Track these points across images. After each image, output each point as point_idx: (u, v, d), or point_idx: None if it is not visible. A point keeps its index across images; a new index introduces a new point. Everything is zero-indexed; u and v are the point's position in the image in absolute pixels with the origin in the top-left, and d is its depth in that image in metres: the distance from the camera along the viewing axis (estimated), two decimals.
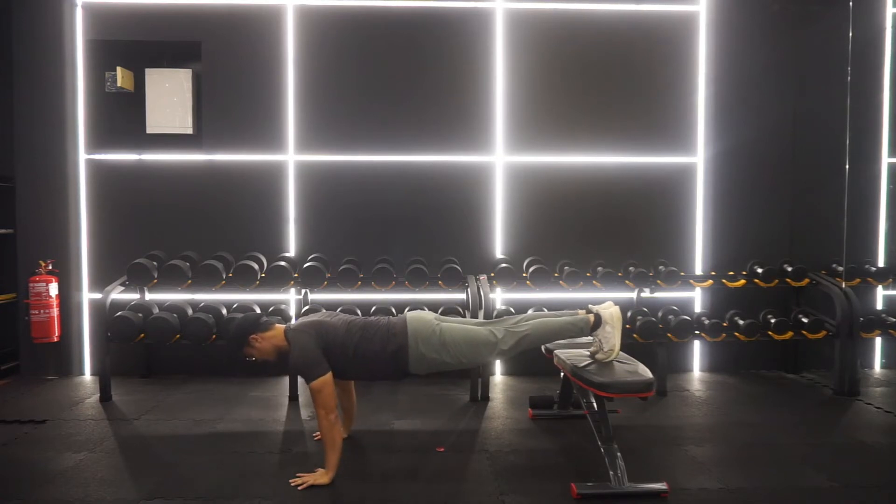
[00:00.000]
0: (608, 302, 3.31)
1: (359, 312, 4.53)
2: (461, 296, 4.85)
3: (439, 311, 4.55)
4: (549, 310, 4.54)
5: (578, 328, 3.24)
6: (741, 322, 4.62)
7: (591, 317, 3.22)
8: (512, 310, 4.65)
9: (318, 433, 3.57)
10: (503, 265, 4.68)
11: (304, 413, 4.05)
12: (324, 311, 3.33)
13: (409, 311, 3.25)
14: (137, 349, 4.84)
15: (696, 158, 5.11)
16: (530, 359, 4.13)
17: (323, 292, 4.75)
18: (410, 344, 3.07)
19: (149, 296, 4.74)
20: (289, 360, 3.07)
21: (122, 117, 5.02)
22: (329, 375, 3.01)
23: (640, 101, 5.08)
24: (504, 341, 3.13)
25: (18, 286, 4.91)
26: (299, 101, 4.97)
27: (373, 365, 3.11)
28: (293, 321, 3.26)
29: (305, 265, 4.49)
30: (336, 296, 4.80)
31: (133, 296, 4.70)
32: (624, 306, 4.76)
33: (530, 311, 3.35)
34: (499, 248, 5.07)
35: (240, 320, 3.23)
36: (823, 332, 4.61)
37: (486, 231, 5.06)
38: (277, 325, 3.19)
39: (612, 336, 3.21)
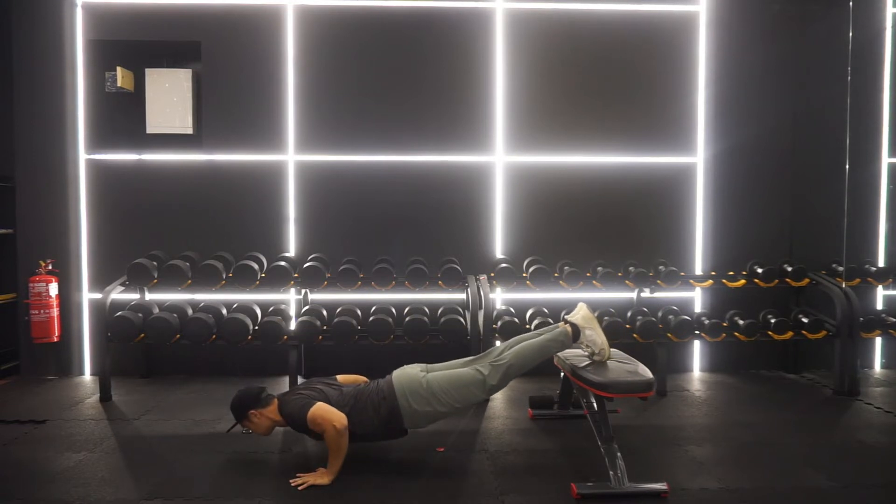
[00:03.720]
0: (578, 304, 3.38)
1: (359, 313, 4.54)
2: (461, 296, 4.85)
3: (439, 311, 4.58)
4: (548, 311, 4.56)
5: (560, 342, 3.29)
6: (741, 322, 4.62)
7: (569, 327, 3.27)
8: (512, 309, 4.66)
9: None
10: (503, 265, 4.68)
11: None
12: (315, 379, 3.39)
13: (394, 371, 3.28)
14: (137, 349, 4.84)
15: (696, 158, 5.11)
16: None
17: (323, 292, 4.76)
18: (401, 403, 3.09)
19: (149, 296, 4.74)
20: (289, 424, 3.13)
21: (122, 117, 5.02)
22: (320, 403, 3.04)
23: (641, 101, 5.08)
24: (491, 377, 3.16)
25: (18, 286, 4.91)
26: (299, 101, 4.97)
27: (369, 430, 3.13)
28: (286, 391, 3.32)
29: (305, 265, 4.49)
30: (336, 296, 4.80)
31: (133, 296, 4.70)
32: (624, 306, 4.80)
33: (505, 342, 3.40)
34: (499, 248, 5.07)
35: (241, 393, 3.24)
36: (823, 332, 4.60)
37: (486, 231, 5.06)
38: (275, 399, 3.23)
39: (594, 336, 3.25)
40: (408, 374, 3.20)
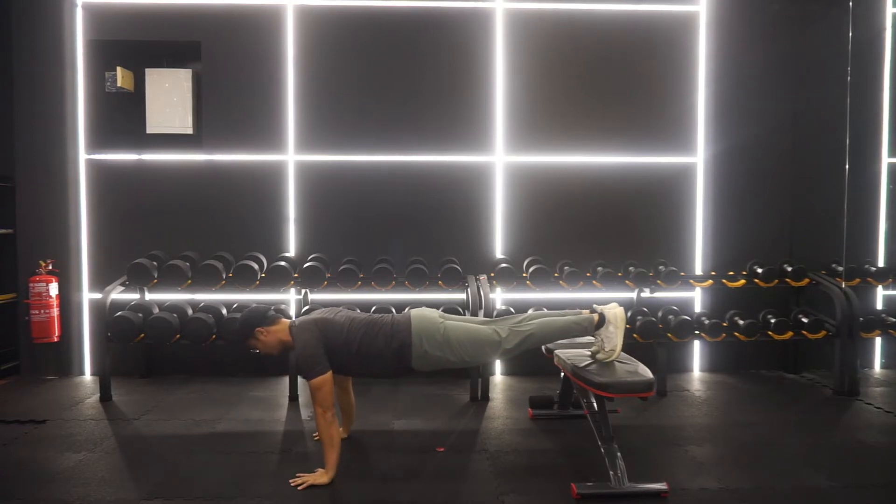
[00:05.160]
0: (613, 303, 3.32)
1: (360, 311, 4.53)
2: (461, 296, 4.85)
3: (440, 309, 4.56)
4: (549, 310, 4.55)
5: (582, 327, 3.24)
6: (741, 322, 4.62)
7: (596, 316, 3.23)
8: (512, 310, 4.65)
9: (317, 433, 3.57)
10: (503, 265, 4.68)
11: (304, 413, 4.05)
12: (327, 308, 3.33)
13: (412, 309, 3.25)
14: (137, 349, 4.84)
15: (696, 158, 5.11)
16: (530, 359, 4.13)
17: (323, 292, 4.75)
18: (414, 342, 3.07)
19: (149, 296, 4.74)
20: (291, 356, 3.08)
21: (122, 117, 5.02)
22: (329, 374, 3.01)
23: (641, 101, 5.08)
24: (508, 340, 3.13)
25: (18, 286, 4.91)
26: (299, 101, 4.97)
27: (376, 362, 3.11)
28: (296, 317, 3.25)
29: (305, 265, 4.49)
30: (336, 296, 4.79)
31: (133, 296, 4.69)
32: (624, 306, 4.77)
33: (531, 311, 3.36)
34: (499, 248, 5.07)
35: (248, 312, 3.21)
36: (823, 332, 4.60)
37: (486, 231, 5.06)
38: (284, 319, 3.20)
39: (614, 336, 3.21)
40: (427, 316, 3.17)
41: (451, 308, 4.55)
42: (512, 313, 4.54)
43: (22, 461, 3.28)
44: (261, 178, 4.97)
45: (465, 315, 4.49)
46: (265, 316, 3.17)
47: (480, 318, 3.30)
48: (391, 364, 3.12)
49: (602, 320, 3.22)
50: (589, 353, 3.32)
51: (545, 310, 4.54)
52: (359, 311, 4.47)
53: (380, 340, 3.08)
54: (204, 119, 4.97)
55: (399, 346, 3.07)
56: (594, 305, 3.31)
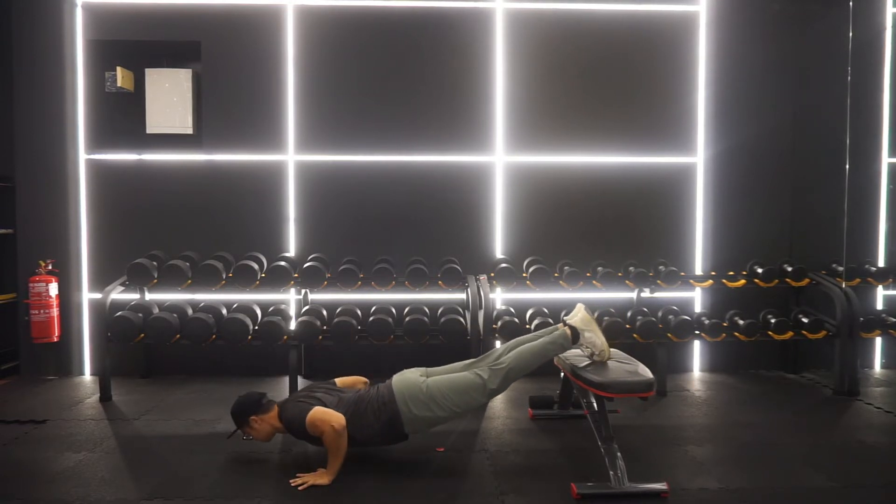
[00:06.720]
0: (577, 306, 3.38)
1: (359, 313, 4.54)
2: (461, 296, 4.85)
3: (439, 311, 4.57)
4: (548, 311, 4.56)
5: (559, 345, 3.29)
6: (741, 322, 4.62)
7: (568, 329, 3.27)
8: (512, 309, 4.65)
9: None
10: (503, 265, 4.68)
11: None
12: (315, 384, 3.37)
13: (394, 375, 3.27)
14: (137, 349, 4.84)
15: (696, 158, 5.11)
16: None
17: (323, 292, 4.76)
18: (401, 409, 3.08)
19: (149, 296, 4.74)
20: (288, 430, 3.13)
21: (122, 117, 5.02)
22: (318, 406, 3.05)
23: (641, 101, 5.07)
24: (491, 381, 3.16)
25: (18, 286, 4.90)
26: (299, 101, 4.97)
27: (369, 437, 3.13)
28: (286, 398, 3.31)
29: (305, 265, 4.49)
30: (336, 296, 4.80)
31: (133, 296, 4.69)
32: (624, 306, 4.80)
33: (507, 344, 3.40)
34: (499, 248, 5.07)
35: (242, 399, 3.24)
36: (823, 332, 4.60)
37: (486, 231, 5.06)
38: (276, 405, 3.24)
39: (594, 338, 3.26)
40: (407, 378, 3.19)
41: (449, 309, 4.55)
42: (512, 314, 4.56)
43: (22, 461, 3.28)
44: (261, 178, 4.97)
45: (462, 316, 4.49)
46: (259, 404, 3.20)
47: (460, 363, 3.33)
48: (386, 436, 3.15)
49: (576, 333, 3.27)
50: (586, 355, 3.34)
51: (545, 310, 4.55)
52: (359, 312, 4.51)
53: (369, 416, 3.10)
54: (204, 119, 4.97)
55: (388, 419, 3.09)
56: (563, 318, 3.36)
